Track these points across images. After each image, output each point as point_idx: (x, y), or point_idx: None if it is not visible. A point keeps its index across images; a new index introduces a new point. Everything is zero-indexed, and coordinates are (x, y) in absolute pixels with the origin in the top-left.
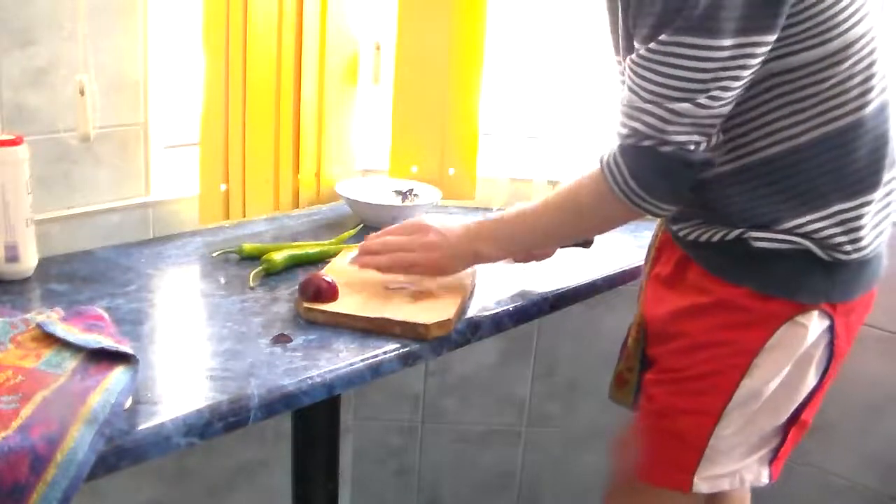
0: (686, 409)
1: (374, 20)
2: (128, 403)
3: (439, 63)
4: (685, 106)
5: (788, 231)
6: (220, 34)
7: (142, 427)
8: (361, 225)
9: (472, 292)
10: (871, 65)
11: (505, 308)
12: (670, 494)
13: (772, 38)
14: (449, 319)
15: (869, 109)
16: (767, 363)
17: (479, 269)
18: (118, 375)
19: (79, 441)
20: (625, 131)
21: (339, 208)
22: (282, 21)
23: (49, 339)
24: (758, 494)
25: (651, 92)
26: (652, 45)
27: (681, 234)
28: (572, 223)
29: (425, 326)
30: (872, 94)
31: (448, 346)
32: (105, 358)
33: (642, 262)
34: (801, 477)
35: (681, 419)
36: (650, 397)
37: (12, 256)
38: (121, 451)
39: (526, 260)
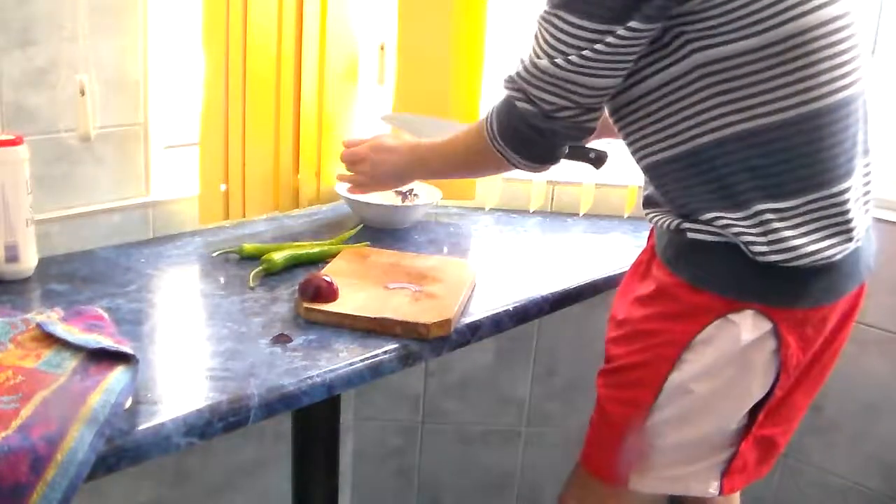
0: (619, 400)
1: (376, 20)
2: (128, 403)
3: (440, 63)
4: (544, 63)
5: (708, 223)
6: (220, 34)
7: (142, 427)
8: (361, 225)
9: (472, 292)
10: (808, 65)
11: (505, 308)
12: (621, 492)
13: (647, 26)
14: (449, 319)
15: (800, 111)
16: (697, 358)
17: (480, 269)
18: (118, 375)
19: (79, 441)
20: (504, 76)
21: (339, 208)
22: (282, 21)
23: (49, 339)
24: (758, 494)
25: (532, 48)
26: (542, 11)
27: (648, 216)
28: (462, 161)
29: (426, 326)
30: (807, 96)
31: (448, 346)
32: (105, 358)
33: None
34: (801, 477)
35: (615, 410)
36: (597, 387)
37: (12, 256)
38: (121, 451)
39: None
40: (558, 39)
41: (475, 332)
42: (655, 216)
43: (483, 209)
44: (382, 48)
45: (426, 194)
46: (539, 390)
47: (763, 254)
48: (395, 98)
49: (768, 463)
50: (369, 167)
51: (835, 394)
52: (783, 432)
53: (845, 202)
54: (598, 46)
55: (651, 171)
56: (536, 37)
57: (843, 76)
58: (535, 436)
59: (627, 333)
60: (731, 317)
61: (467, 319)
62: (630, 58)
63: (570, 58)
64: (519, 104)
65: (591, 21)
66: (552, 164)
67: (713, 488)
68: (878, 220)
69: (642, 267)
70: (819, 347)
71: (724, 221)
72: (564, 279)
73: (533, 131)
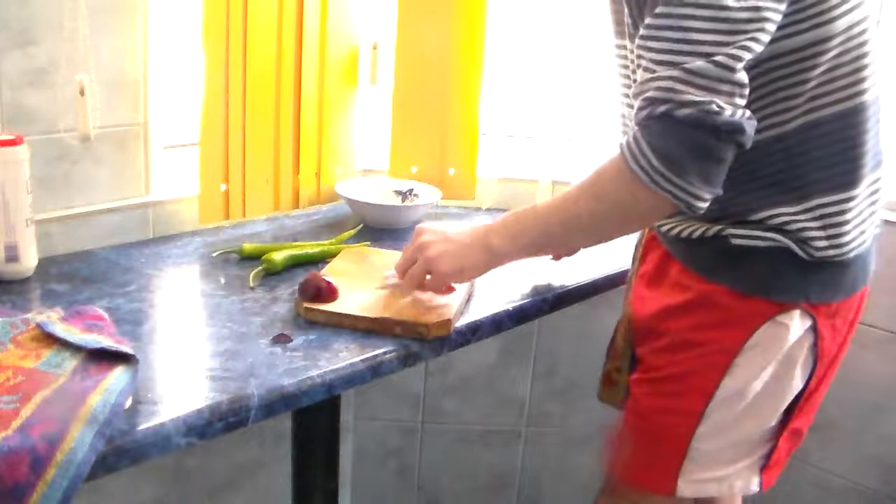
0: (667, 410)
1: (373, 20)
2: (128, 403)
3: (439, 63)
4: (699, 64)
5: (762, 222)
6: (220, 34)
7: (142, 427)
8: (361, 225)
9: (472, 292)
10: (861, 56)
11: (505, 308)
12: (657, 499)
13: (782, 6)
14: (449, 319)
15: (857, 101)
16: (749, 363)
17: None
18: (118, 375)
19: (79, 441)
20: (640, 104)
21: (339, 208)
22: (282, 21)
23: (49, 339)
24: (758, 494)
25: (662, 59)
26: (659, 9)
27: (663, 229)
28: (591, 214)
29: (426, 326)
30: (862, 86)
31: (448, 346)
32: (105, 358)
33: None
34: (801, 477)
35: (662, 420)
36: (634, 398)
37: (12, 256)
38: (121, 451)
39: (555, 256)
40: (709, 31)
41: (475, 332)
42: (673, 226)
43: (481, 209)
44: (375, 48)
45: (426, 194)
46: (539, 390)
47: (822, 248)
48: (393, 99)
49: (792, 453)
50: (440, 243)
51: (835, 394)
52: (808, 422)
53: (878, 190)
54: (754, 35)
55: None
56: (666, 44)
57: (876, 72)
58: (535, 436)
59: (669, 344)
60: (780, 318)
61: (467, 319)
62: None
63: (727, 50)
64: (678, 112)
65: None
66: (719, 188)
67: (755, 485)
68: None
69: (651, 276)
70: (843, 337)
71: (784, 218)
72: (564, 279)
73: (705, 135)
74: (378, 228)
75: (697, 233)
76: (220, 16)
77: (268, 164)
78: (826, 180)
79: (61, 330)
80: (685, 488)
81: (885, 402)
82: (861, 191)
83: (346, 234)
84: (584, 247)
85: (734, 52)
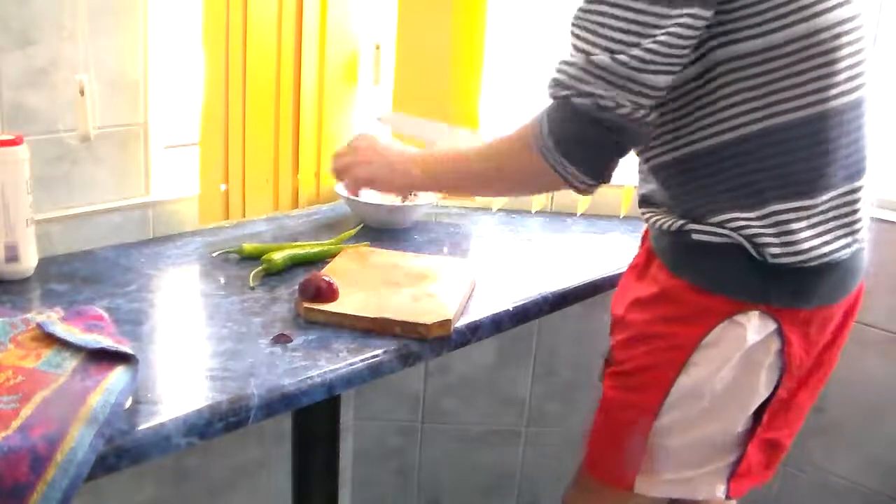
0: (626, 404)
1: (375, 20)
2: (128, 403)
3: (439, 63)
4: (603, 58)
5: (719, 225)
6: (220, 34)
7: (142, 427)
8: (361, 225)
9: (472, 292)
10: (829, 62)
11: (505, 308)
12: (619, 494)
13: (706, 13)
14: (449, 319)
15: (821, 108)
16: (705, 361)
17: (480, 269)
18: (118, 375)
19: (79, 441)
20: (550, 81)
21: (339, 208)
22: (282, 21)
23: (49, 339)
24: (758, 495)
25: (576, 44)
26: (589, 4)
27: (645, 216)
28: (493, 176)
29: (426, 326)
30: (829, 93)
31: (448, 346)
32: (105, 358)
33: None
34: (802, 477)
35: (622, 414)
36: (603, 390)
37: (12, 256)
38: (121, 451)
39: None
40: (619, 30)
41: (475, 332)
42: (653, 217)
43: (483, 209)
44: (378, 48)
45: (426, 194)
46: (539, 390)
47: (777, 255)
48: (393, 98)
49: (773, 465)
50: (371, 153)
51: (835, 394)
52: (788, 434)
53: (857, 201)
54: (661, 38)
55: (662, 171)
56: (583, 32)
57: (857, 76)
58: (535, 436)
59: (632, 336)
60: (737, 318)
61: (467, 319)
62: (685, 53)
63: (632, 52)
64: (576, 101)
65: (658, 6)
66: (605, 179)
67: (720, 491)
68: (879, 221)
69: (639, 268)
70: (822, 347)
71: (739, 223)
72: (564, 279)
73: (595, 129)
74: (378, 228)
75: (666, 225)
76: (220, 16)
77: (267, 164)
78: (783, 187)
79: (61, 330)
80: (643, 486)
81: (885, 402)
82: (824, 199)
83: (346, 234)
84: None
85: (639, 53)
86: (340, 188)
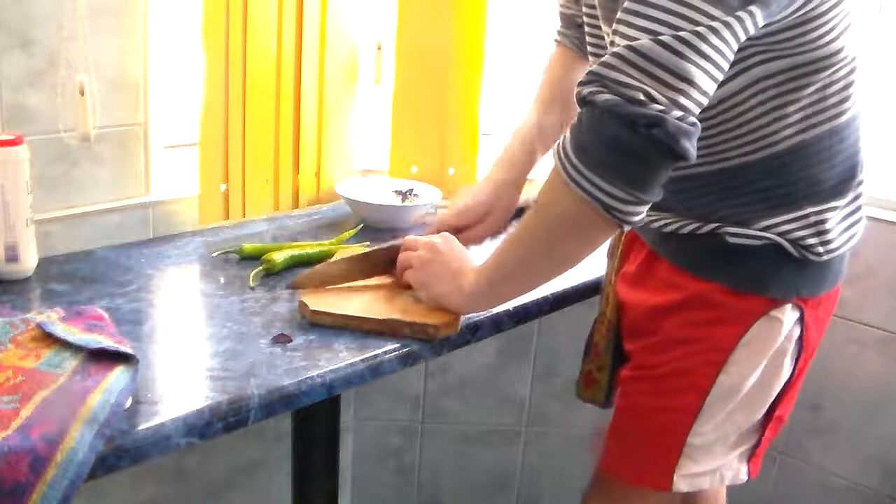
0: (662, 407)
1: (374, 20)
2: (128, 403)
3: (439, 63)
4: (644, 42)
5: (764, 230)
6: (220, 34)
7: (142, 427)
8: (361, 225)
9: None
10: (849, 73)
11: (505, 308)
12: (649, 494)
13: (760, 20)
14: (456, 319)
15: (845, 118)
16: (744, 359)
17: None
18: (118, 375)
19: (79, 441)
20: (577, 85)
21: (339, 208)
22: (282, 21)
23: (49, 339)
24: (758, 495)
25: (616, 40)
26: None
27: (648, 223)
28: (543, 245)
29: (435, 327)
30: (848, 104)
31: (448, 346)
32: (105, 358)
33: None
34: (802, 477)
35: (658, 417)
36: (626, 394)
37: (12, 256)
38: (121, 451)
39: None
40: (671, 12)
41: (475, 332)
42: (658, 219)
43: None
44: (379, 48)
45: (426, 194)
46: (539, 390)
47: (820, 254)
48: (394, 98)
49: (772, 441)
50: (430, 254)
51: (835, 394)
52: (789, 409)
53: (861, 195)
54: (712, 32)
55: (680, 182)
56: (633, 18)
57: (860, 81)
58: (535, 436)
59: (662, 341)
60: (773, 313)
61: (467, 319)
62: (729, 58)
63: (680, 33)
64: (601, 97)
65: (714, 5)
66: (652, 195)
67: (743, 474)
68: (879, 221)
69: (639, 276)
70: (824, 326)
71: (782, 228)
72: (564, 279)
73: (627, 130)
74: (378, 228)
75: (688, 228)
76: (220, 16)
77: (267, 164)
78: (816, 194)
79: (61, 330)
80: (681, 483)
81: (885, 402)
82: (851, 196)
83: (346, 234)
84: (559, 274)
85: (686, 36)
86: (341, 188)
